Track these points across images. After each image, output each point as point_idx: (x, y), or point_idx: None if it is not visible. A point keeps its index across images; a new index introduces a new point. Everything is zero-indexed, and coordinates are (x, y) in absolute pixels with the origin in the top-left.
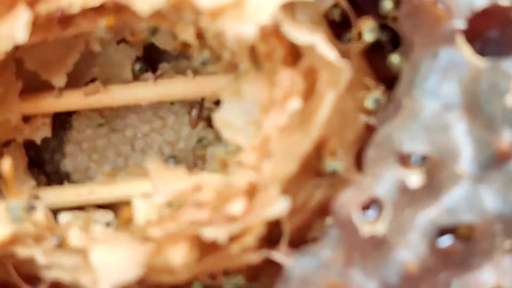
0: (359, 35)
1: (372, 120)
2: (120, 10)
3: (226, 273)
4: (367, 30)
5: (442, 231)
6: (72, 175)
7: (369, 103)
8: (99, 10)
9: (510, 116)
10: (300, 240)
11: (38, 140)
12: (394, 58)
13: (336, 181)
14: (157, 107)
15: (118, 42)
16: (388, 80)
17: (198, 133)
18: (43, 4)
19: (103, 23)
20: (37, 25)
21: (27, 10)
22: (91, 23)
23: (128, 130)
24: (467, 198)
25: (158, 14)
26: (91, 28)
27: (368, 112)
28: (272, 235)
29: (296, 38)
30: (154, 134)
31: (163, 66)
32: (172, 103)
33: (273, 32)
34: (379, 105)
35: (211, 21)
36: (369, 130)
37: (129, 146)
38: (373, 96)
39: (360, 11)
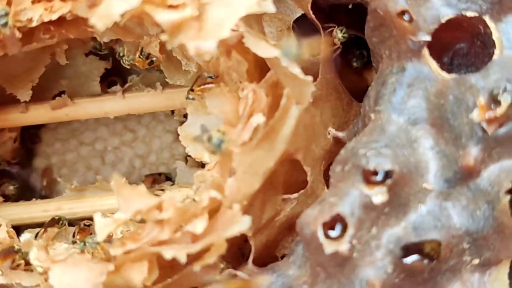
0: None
1: (340, 134)
2: (80, 23)
3: None
4: (339, 30)
5: (409, 249)
6: (41, 191)
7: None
8: (59, 23)
9: (477, 131)
10: (270, 256)
11: (5, 155)
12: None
13: (306, 197)
14: (127, 119)
15: (87, 54)
16: (360, 91)
17: (169, 146)
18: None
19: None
20: None
21: None
22: (53, 38)
23: (98, 143)
24: (434, 214)
25: (121, 27)
26: (53, 42)
27: None
28: (240, 252)
29: (260, 52)
30: (125, 147)
31: (132, 77)
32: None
33: (237, 45)
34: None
35: (171, 36)
36: (339, 143)
37: (99, 159)
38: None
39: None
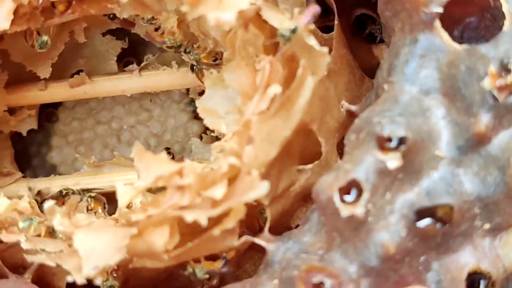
0: None
1: (353, 107)
2: None
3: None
4: None
5: (422, 214)
6: (58, 168)
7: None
8: None
9: (488, 99)
10: (285, 226)
11: (24, 132)
12: None
13: (320, 168)
14: (143, 99)
15: (104, 34)
16: (371, 68)
17: (184, 125)
18: None
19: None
20: (20, 14)
21: None
22: (74, 13)
23: (114, 122)
24: (446, 180)
25: (140, 3)
26: (74, 17)
27: None
28: (256, 222)
29: (277, 24)
30: (140, 126)
31: (148, 57)
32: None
33: (254, 19)
34: None
35: (192, 8)
36: (352, 117)
37: (115, 138)
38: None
39: None
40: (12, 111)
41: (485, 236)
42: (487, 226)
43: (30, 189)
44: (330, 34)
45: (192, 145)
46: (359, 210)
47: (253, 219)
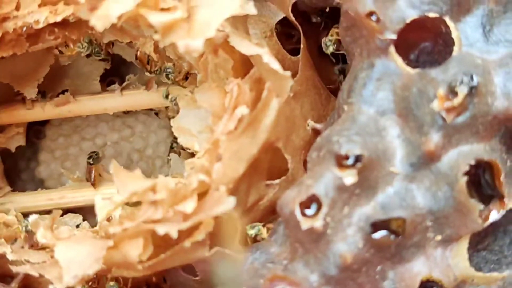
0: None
1: (318, 126)
2: (82, 25)
3: None
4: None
5: (377, 226)
6: (46, 182)
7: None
8: (63, 25)
9: (437, 120)
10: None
11: (12, 149)
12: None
13: (287, 183)
14: (125, 116)
15: (88, 56)
16: (338, 88)
17: (164, 141)
18: (11, 21)
19: None
20: (6, 40)
21: None
22: (57, 38)
23: (98, 139)
24: (399, 195)
25: (119, 29)
26: (57, 43)
27: None
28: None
29: (243, 49)
30: (123, 142)
31: (130, 77)
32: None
33: (223, 45)
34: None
35: (163, 36)
36: (318, 135)
37: (99, 153)
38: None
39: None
40: (1, 129)
41: (437, 247)
42: (438, 237)
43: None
44: (298, 56)
45: (171, 161)
46: (318, 223)
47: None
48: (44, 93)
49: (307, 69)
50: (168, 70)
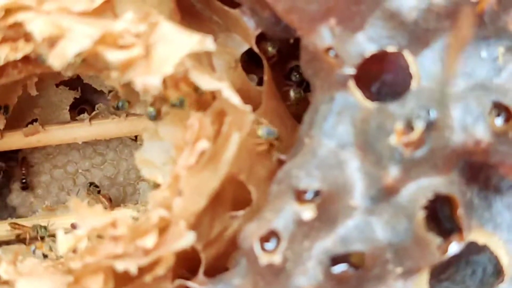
0: None
1: (283, 157)
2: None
3: None
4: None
5: (337, 260)
6: (18, 209)
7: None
8: (25, 61)
9: (395, 154)
10: (220, 269)
11: None
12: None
13: (252, 214)
14: (97, 144)
15: (57, 85)
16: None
17: (135, 168)
18: None
19: None
20: None
21: None
22: (21, 73)
23: (69, 166)
24: (359, 228)
25: (84, 63)
26: (21, 77)
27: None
28: (192, 265)
29: (203, 84)
30: (94, 169)
31: (99, 106)
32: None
33: (184, 79)
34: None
35: (121, 73)
36: (283, 166)
37: (71, 181)
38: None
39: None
40: None
41: (397, 279)
42: (399, 270)
43: None
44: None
45: (140, 189)
46: (276, 258)
47: (192, 262)
48: (6, 108)
49: (271, 100)
50: (123, 105)
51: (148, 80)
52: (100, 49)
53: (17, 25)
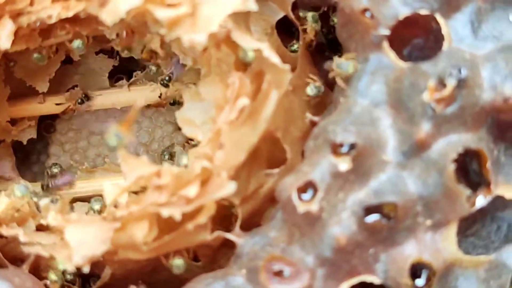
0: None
1: (316, 118)
2: (92, 21)
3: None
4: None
5: (370, 210)
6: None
7: (309, 91)
8: (74, 21)
9: (428, 110)
10: (255, 225)
11: (24, 141)
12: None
13: (286, 172)
14: None
15: (97, 53)
16: (332, 84)
17: (170, 135)
18: (24, 16)
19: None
20: (20, 35)
21: (10, 21)
22: (68, 34)
23: (106, 133)
24: (391, 181)
25: (127, 26)
26: (68, 38)
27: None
28: (229, 222)
29: (244, 44)
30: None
31: (137, 73)
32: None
33: (226, 40)
34: (319, 93)
35: (169, 30)
36: (314, 127)
37: (107, 147)
38: (313, 84)
39: None
40: (13, 122)
41: (427, 231)
42: (428, 222)
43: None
44: (296, 52)
45: (176, 153)
46: (314, 207)
47: (227, 221)
48: (86, 96)
49: (305, 64)
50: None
51: (195, 38)
52: (149, 6)
53: None
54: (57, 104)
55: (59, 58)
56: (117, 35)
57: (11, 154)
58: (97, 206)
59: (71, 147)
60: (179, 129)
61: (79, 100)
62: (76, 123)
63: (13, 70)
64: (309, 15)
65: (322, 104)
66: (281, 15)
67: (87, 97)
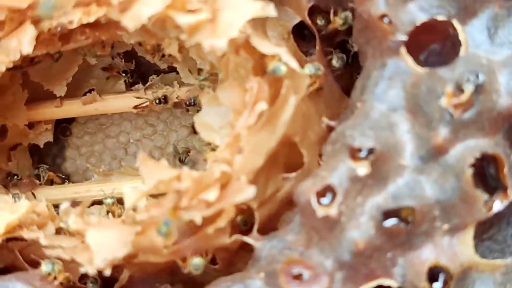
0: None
1: (332, 123)
2: (112, 26)
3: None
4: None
5: (388, 215)
6: (72, 177)
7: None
8: (94, 26)
9: (445, 115)
10: (272, 229)
11: (41, 144)
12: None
13: (303, 176)
14: (148, 115)
15: (113, 57)
16: (350, 88)
17: (184, 139)
18: (46, 21)
19: None
20: (40, 39)
21: (32, 27)
22: (88, 39)
23: (121, 136)
24: (409, 186)
25: (146, 31)
26: (88, 43)
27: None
28: (246, 225)
29: (263, 49)
30: (145, 140)
31: (153, 77)
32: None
33: (244, 45)
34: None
35: (189, 36)
36: (331, 131)
37: (122, 150)
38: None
39: None
40: (31, 125)
41: (444, 235)
42: (446, 226)
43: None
44: (312, 57)
45: (189, 160)
46: (333, 211)
47: (243, 221)
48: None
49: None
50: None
51: (215, 43)
52: (170, 12)
53: None
54: (136, 98)
55: (76, 62)
56: (140, 43)
57: (28, 158)
58: (109, 201)
59: (87, 150)
60: (195, 132)
61: (157, 101)
62: (91, 126)
63: (31, 74)
64: (349, 15)
65: (337, 108)
66: (297, 20)
67: (165, 99)
